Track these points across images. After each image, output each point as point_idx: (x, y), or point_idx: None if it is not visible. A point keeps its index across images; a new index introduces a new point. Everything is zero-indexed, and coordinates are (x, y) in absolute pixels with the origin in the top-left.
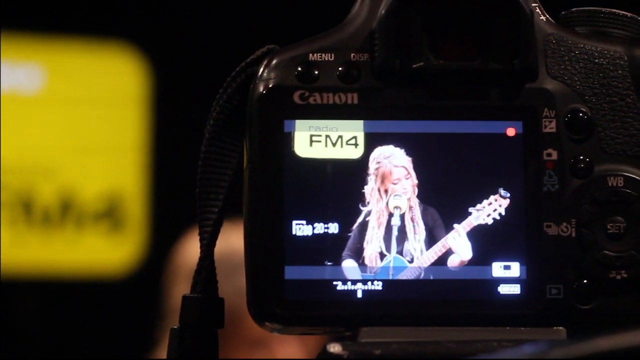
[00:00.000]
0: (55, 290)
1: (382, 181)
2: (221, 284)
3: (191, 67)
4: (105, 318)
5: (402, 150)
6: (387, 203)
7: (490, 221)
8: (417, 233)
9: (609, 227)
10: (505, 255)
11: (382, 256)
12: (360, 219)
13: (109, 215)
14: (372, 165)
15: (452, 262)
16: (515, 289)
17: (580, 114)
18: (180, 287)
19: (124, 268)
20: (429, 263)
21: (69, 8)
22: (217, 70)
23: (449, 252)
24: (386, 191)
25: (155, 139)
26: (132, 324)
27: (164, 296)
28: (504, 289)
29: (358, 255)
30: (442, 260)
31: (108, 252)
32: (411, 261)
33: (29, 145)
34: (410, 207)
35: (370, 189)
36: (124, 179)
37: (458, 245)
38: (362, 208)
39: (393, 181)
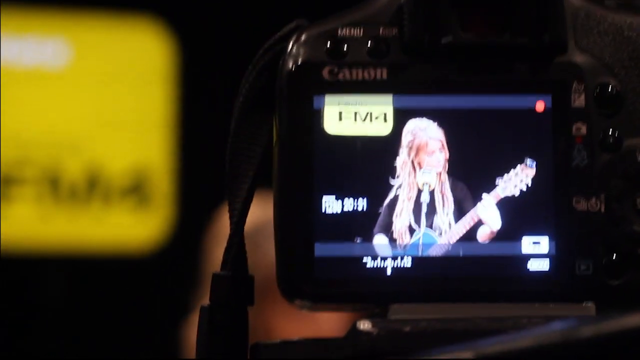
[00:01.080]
0: (81, 267)
1: (417, 153)
2: (263, 253)
3: (218, 41)
4: (132, 294)
5: (435, 124)
6: (417, 179)
7: (517, 192)
8: (445, 206)
9: (638, 202)
10: (534, 231)
11: (411, 231)
12: (390, 194)
13: (136, 191)
14: (405, 138)
15: (482, 233)
16: (544, 265)
17: (610, 88)
18: (220, 253)
19: (151, 244)
20: (458, 237)
21: None
22: (244, 45)
23: (478, 224)
24: (420, 164)
25: (182, 114)
26: (158, 300)
27: (203, 262)
28: (533, 265)
29: (388, 230)
30: (471, 233)
31: (135, 228)
32: (440, 234)
33: (55, 121)
34: (441, 182)
35: (402, 162)
36: (150, 155)
37: (487, 215)
38: (392, 182)
39: (428, 152)
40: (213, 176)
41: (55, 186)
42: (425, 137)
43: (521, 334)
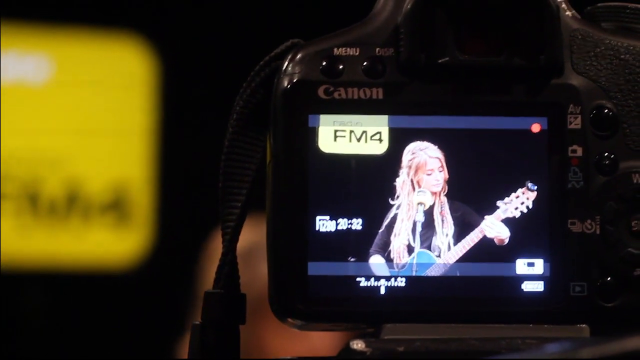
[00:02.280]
0: (61, 283)
1: (416, 172)
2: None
3: (197, 56)
4: (112, 311)
5: (434, 144)
6: (413, 199)
7: (517, 214)
8: (445, 227)
9: (633, 224)
10: (530, 252)
11: (409, 251)
12: (389, 213)
13: (116, 207)
14: (405, 157)
15: (493, 246)
16: (539, 286)
17: (606, 110)
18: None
19: (131, 260)
20: (457, 257)
21: None
22: (224, 60)
23: (485, 239)
24: (419, 183)
25: (162, 129)
26: (138, 316)
27: (197, 281)
28: (527, 286)
29: (385, 249)
30: (473, 251)
31: (115, 244)
32: (439, 255)
33: (35, 136)
34: (440, 202)
35: (401, 182)
36: (130, 171)
37: (494, 229)
38: (391, 202)
39: (427, 172)
40: (192, 192)
41: (34, 202)
42: (425, 157)
43: (519, 355)
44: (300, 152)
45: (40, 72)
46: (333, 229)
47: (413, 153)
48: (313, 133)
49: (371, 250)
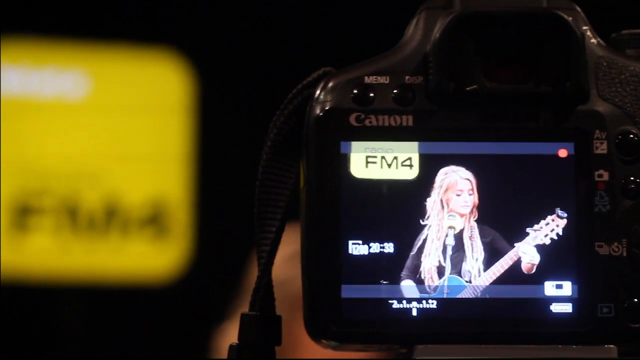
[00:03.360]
0: (100, 297)
1: (445, 191)
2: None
3: (236, 74)
4: (150, 325)
5: (464, 169)
6: (443, 223)
7: (547, 241)
8: (475, 252)
9: None
10: (558, 275)
11: (439, 274)
12: (419, 236)
13: (154, 221)
14: (436, 180)
15: (518, 271)
16: (567, 308)
17: (631, 136)
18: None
19: (169, 275)
20: (488, 282)
21: (115, 15)
22: (262, 78)
23: (514, 264)
24: (447, 203)
25: (200, 145)
26: (176, 331)
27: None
28: (556, 308)
29: (415, 272)
30: (502, 277)
31: (153, 259)
32: (469, 281)
33: (74, 151)
34: (470, 227)
35: (432, 203)
36: (168, 186)
37: (528, 256)
38: (421, 224)
39: (457, 192)
40: (230, 207)
41: (73, 216)
42: (456, 177)
43: None
44: (332, 178)
45: (78, 88)
46: (365, 253)
47: (445, 174)
48: (345, 159)
49: (403, 273)
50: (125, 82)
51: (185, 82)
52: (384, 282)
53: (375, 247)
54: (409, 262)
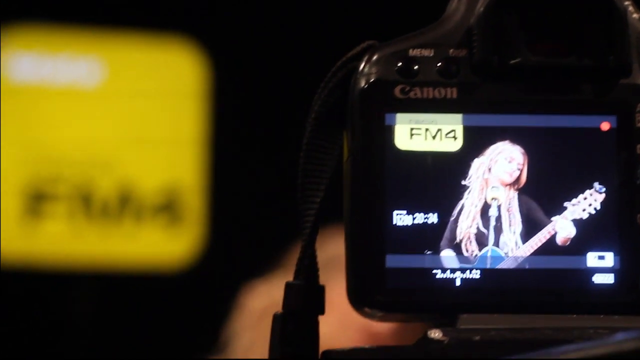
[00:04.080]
0: (113, 284)
1: (489, 168)
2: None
3: (250, 60)
4: (163, 311)
5: (507, 142)
6: (486, 194)
7: (585, 216)
8: (512, 225)
9: None
10: (600, 246)
11: (480, 246)
12: (459, 209)
13: (168, 208)
14: (480, 153)
15: (554, 244)
16: (609, 279)
17: None
18: (246, 335)
19: (182, 261)
20: (527, 254)
21: (128, 1)
22: (275, 64)
23: (552, 238)
24: (490, 179)
25: (214, 132)
26: (188, 317)
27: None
28: (598, 279)
29: (457, 244)
30: (541, 249)
31: (166, 246)
32: (507, 253)
33: (88, 138)
34: (509, 199)
35: (473, 177)
36: (182, 173)
37: (564, 230)
38: (463, 197)
39: (499, 164)
40: (244, 194)
41: (87, 203)
42: (499, 151)
43: (598, 342)
44: (377, 150)
45: (92, 75)
46: (410, 223)
47: (489, 145)
48: (390, 131)
49: (446, 244)
50: (139, 69)
51: (198, 69)
52: (428, 252)
53: (419, 218)
54: (451, 233)
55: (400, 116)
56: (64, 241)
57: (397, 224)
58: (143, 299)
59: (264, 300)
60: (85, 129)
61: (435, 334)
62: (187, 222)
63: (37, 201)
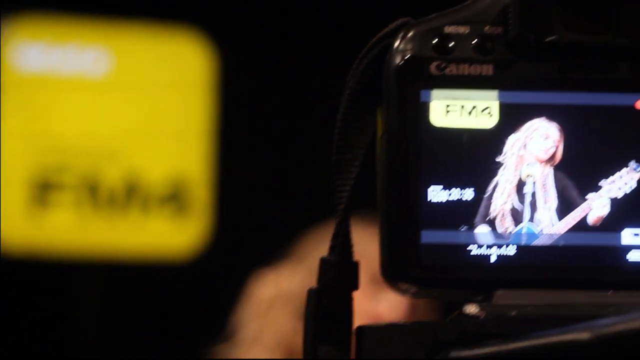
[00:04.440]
0: (119, 273)
1: (525, 145)
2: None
3: (257, 51)
4: (169, 301)
5: (543, 119)
6: (521, 170)
7: (620, 194)
8: (547, 202)
9: None
10: (635, 224)
11: (515, 222)
12: (494, 185)
13: (174, 198)
14: (515, 130)
15: (589, 222)
16: None
17: None
18: (253, 324)
19: (189, 252)
20: (562, 231)
21: None
22: (282, 55)
23: (589, 214)
24: (525, 156)
25: (221, 122)
26: (195, 307)
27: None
28: (632, 256)
29: (491, 220)
30: (575, 226)
31: (173, 236)
32: (542, 230)
33: (95, 128)
34: (544, 176)
35: (508, 154)
36: (189, 163)
37: (599, 208)
38: (498, 174)
39: (535, 140)
40: (250, 185)
41: (94, 193)
42: (534, 129)
43: (635, 315)
44: (412, 126)
45: (99, 65)
46: (445, 199)
47: (524, 122)
48: (425, 107)
49: (481, 220)
50: (146, 59)
51: (206, 60)
52: (463, 229)
53: (455, 194)
54: (486, 209)
55: (435, 93)
56: (70, 230)
57: (432, 200)
58: (149, 288)
59: (271, 289)
60: (92, 119)
61: (471, 309)
62: (194, 212)
63: (43, 191)
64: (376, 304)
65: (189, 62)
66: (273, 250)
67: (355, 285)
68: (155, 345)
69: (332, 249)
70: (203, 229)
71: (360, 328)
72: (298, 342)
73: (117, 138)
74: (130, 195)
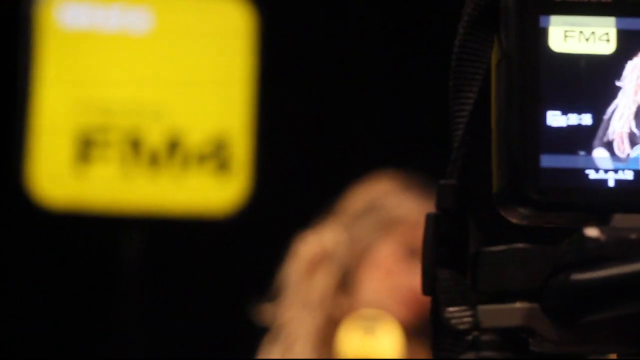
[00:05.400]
0: (160, 228)
1: None
2: None
3: (299, 6)
4: (210, 256)
5: None
6: (638, 95)
7: None
8: None
9: None
10: None
11: (632, 145)
12: (612, 110)
13: (216, 155)
14: (633, 56)
15: None
16: None
17: None
18: (298, 283)
19: (230, 207)
20: None
21: None
22: (325, 9)
23: None
24: None
25: (263, 80)
26: (236, 263)
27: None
28: None
29: (609, 144)
30: None
31: (214, 192)
32: None
33: (136, 86)
34: None
35: (627, 80)
36: (231, 121)
37: None
38: (616, 99)
39: None
40: (291, 142)
41: (136, 149)
42: None
43: None
44: (531, 52)
45: (142, 23)
46: (564, 124)
47: None
48: (544, 33)
49: (599, 144)
50: (188, 17)
51: (248, 15)
52: (581, 153)
53: (573, 118)
54: (605, 135)
55: (554, 18)
56: (115, 185)
57: (552, 125)
58: (191, 242)
59: (315, 248)
60: (134, 77)
61: (592, 232)
62: (235, 168)
63: (86, 147)
64: (412, 278)
65: (231, 19)
66: (315, 206)
67: (472, 210)
68: (197, 300)
69: (450, 173)
70: (244, 185)
71: (478, 252)
72: (341, 302)
73: (160, 96)
74: (173, 152)
